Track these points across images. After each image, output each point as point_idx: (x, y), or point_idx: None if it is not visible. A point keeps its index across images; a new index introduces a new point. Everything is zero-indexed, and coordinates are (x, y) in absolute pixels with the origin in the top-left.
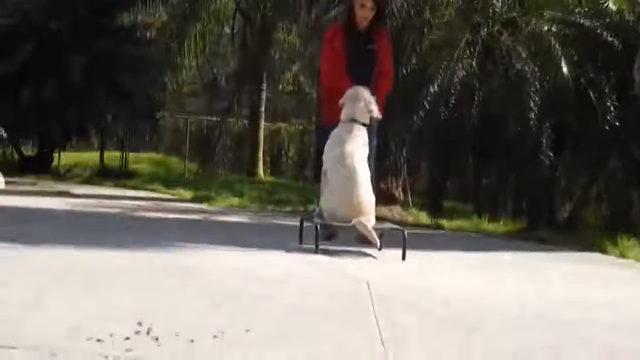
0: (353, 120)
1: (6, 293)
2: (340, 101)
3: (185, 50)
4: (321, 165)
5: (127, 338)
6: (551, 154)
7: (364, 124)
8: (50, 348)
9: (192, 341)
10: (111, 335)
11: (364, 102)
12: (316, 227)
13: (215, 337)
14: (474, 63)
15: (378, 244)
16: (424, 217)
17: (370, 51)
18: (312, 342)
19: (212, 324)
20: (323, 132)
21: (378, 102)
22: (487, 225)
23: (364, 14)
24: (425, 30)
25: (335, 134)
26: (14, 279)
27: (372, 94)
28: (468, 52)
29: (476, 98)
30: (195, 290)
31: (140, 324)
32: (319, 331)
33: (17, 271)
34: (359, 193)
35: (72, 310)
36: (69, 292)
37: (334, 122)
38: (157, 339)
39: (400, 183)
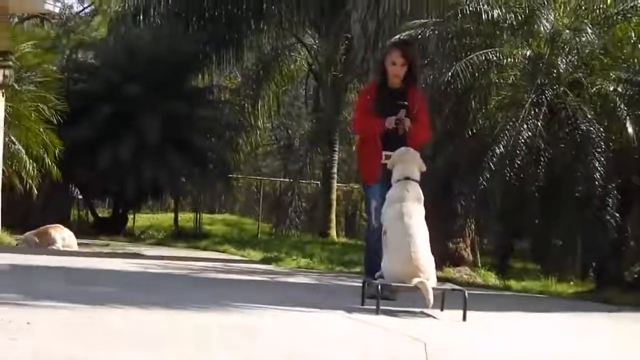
0: (408, 179)
1: (69, 352)
2: (389, 162)
3: (259, 111)
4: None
5: None
6: (617, 215)
7: (416, 181)
8: None
9: None
10: None
11: (416, 160)
12: (377, 288)
13: None
14: (539, 124)
15: (431, 304)
16: (492, 278)
17: (401, 106)
18: None
19: None
20: (369, 191)
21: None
22: (555, 286)
23: (395, 72)
24: (491, 91)
25: (392, 194)
26: (78, 338)
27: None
28: (533, 112)
29: (542, 159)
30: (254, 351)
31: None
32: None
33: (82, 330)
34: (418, 250)
35: None
36: (129, 352)
37: (375, 179)
38: None
39: (469, 243)
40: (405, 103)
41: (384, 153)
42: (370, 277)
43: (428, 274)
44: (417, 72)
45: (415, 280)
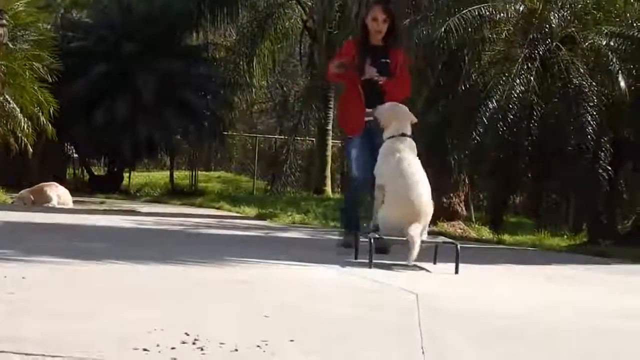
0: (403, 135)
1: (64, 305)
2: (383, 120)
3: (254, 69)
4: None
5: (173, 348)
6: (610, 168)
7: (410, 137)
8: (99, 357)
9: (236, 350)
10: (158, 345)
11: (408, 116)
12: (370, 242)
13: (258, 346)
14: (532, 79)
15: (412, 260)
16: (486, 233)
17: (383, 64)
18: (353, 353)
19: (257, 334)
20: (350, 142)
21: None
22: (548, 239)
23: (376, 28)
24: (484, 46)
25: (387, 147)
26: (73, 291)
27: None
28: (526, 67)
29: (534, 113)
30: (244, 302)
31: (187, 334)
32: (362, 344)
33: (76, 284)
34: (422, 193)
35: (123, 321)
36: (123, 303)
37: (356, 130)
38: (202, 348)
39: (463, 198)
40: (388, 61)
41: (366, 111)
42: (347, 229)
43: (429, 219)
44: (398, 30)
45: (412, 231)
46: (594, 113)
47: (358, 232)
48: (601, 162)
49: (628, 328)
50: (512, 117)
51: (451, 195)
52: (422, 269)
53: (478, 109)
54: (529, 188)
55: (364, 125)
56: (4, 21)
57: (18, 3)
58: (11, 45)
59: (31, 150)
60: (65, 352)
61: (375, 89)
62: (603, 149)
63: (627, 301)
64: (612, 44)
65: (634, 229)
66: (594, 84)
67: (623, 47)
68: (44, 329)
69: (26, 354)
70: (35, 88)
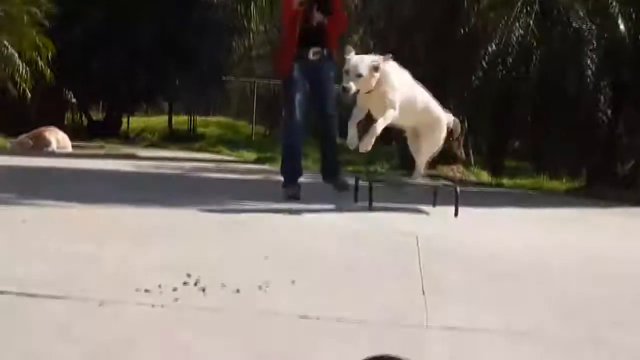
0: None
1: (65, 247)
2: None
3: (253, 13)
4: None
5: (175, 289)
6: (609, 112)
7: None
8: (99, 298)
9: (237, 291)
10: (159, 286)
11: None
12: (370, 185)
13: (260, 287)
14: (531, 22)
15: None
16: (485, 176)
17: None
18: (353, 293)
19: (258, 275)
20: (290, 82)
21: (333, 42)
22: (547, 183)
23: None
24: None
25: None
26: (74, 233)
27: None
28: (525, 11)
29: (534, 57)
30: (245, 244)
31: (188, 275)
32: (362, 283)
33: (77, 226)
34: None
35: (124, 263)
36: (124, 245)
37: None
38: (204, 289)
39: (462, 142)
40: None
41: (312, 50)
42: (290, 181)
43: None
44: None
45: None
46: (594, 57)
47: (358, 176)
48: (600, 106)
49: (628, 270)
50: (511, 61)
51: (450, 139)
52: (421, 211)
53: (477, 52)
54: (528, 132)
55: (296, 64)
56: None
57: None
58: None
59: (30, 95)
60: (67, 293)
61: (311, 28)
62: (602, 92)
63: (627, 243)
64: None
65: (632, 172)
66: (593, 27)
67: None
68: (45, 271)
69: (28, 295)
70: (34, 33)
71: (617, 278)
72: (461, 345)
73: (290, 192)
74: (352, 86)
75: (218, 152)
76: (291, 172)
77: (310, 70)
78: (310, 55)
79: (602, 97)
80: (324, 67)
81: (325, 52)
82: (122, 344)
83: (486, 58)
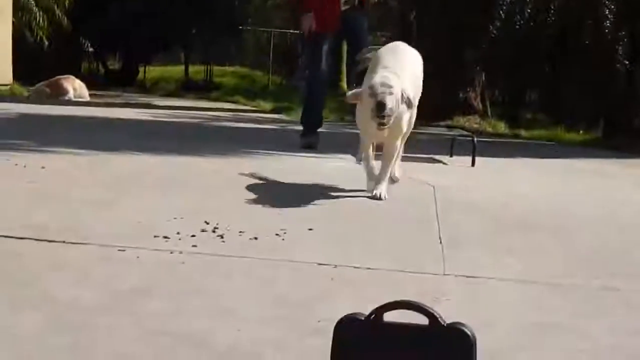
0: None
1: (83, 194)
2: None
3: None
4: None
5: (193, 236)
6: (627, 62)
7: None
8: (119, 245)
9: (255, 238)
10: (178, 233)
11: None
12: None
13: (277, 235)
14: None
15: None
16: (502, 127)
17: None
18: (371, 242)
19: (276, 223)
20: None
21: None
22: (564, 135)
23: None
24: None
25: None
26: (92, 181)
27: None
28: None
29: (552, 7)
30: (262, 192)
31: (207, 222)
32: (381, 234)
33: (95, 174)
34: None
35: (143, 211)
36: (142, 193)
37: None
38: (222, 236)
39: (479, 93)
40: None
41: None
42: (309, 130)
43: None
44: None
45: None
46: (612, 6)
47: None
48: (618, 56)
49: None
50: (529, 11)
51: (467, 90)
52: (439, 161)
53: (495, 3)
54: (545, 83)
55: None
56: None
57: None
58: None
59: (47, 43)
60: (86, 240)
61: None
62: (620, 43)
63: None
64: None
65: None
66: None
67: None
68: (64, 217)
69: (47, 241)
70: None
71: (632, 228)
72: (477, 293)
73: (308, 141)
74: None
75: (235, 102)
76: (311, 122)
77: (343, 20)
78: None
79: (619, 47)
80: (357, 17)
81: (356, 1)
82: (141, 289)
83: (504, 8)
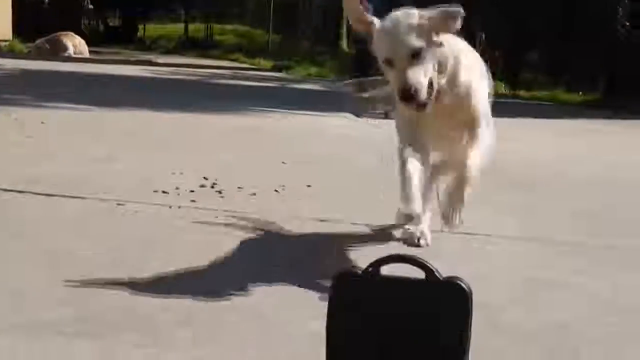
0: None
1: (83, 149)
2: None
3: None
4: None
5: (192, 191)
6: (628, 24)
7: None
8: (118, 199)
9: (254, 194)
10: (177, 189)
11: None
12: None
13: (276, 190)
14: None
15: None
16: (501, 87)
17: None
18: (370, 198)
19: (274, 180)
20: None
21: None
22: (564, 95)
23: None
24: None
25: None
26: (92, 136)
27: None
28: None
29: None
30: (261, 150)
31: (205, 178)
32: (378, 188)
33: (95, 129)
34: None
35: (142, 166)
36: (141, 149)
37: None
38: (220, 192)
39: (479, 53)
40: None
41: None
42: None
43: None
44: None
45: None
46: None
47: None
48: (619, 17)
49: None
50: None
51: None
52: None
53: None
54: (545, 44)
55: None
56: None
57: None
58: None
59: (47, 0)
60: (84, 194)
61: None
62: (621, 3)
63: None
64: None
65: None
66: None
67: None
68: (63, 172)
69: (46, 195)
70: None
71: (633, 188)
72: (474, 249)
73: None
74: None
75: (235, 60)
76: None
77: None
78: None
79: (620, 8)
80: None
81: None
82: (140, 242)
83: None
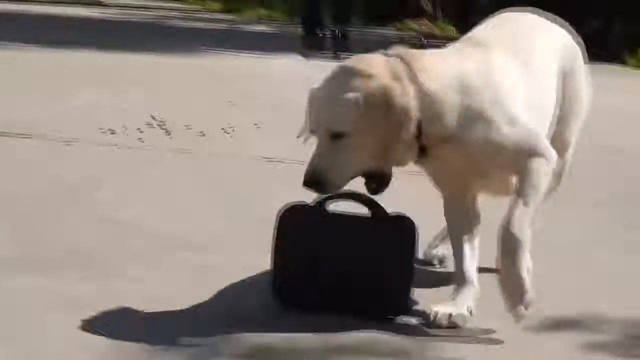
0: None
1: (30, 88)
2: None
3: None
4: None
5: (140, 130)
6: None
7: None
8: (65, 138)
9: (202, 134)
10: (124, 127)
11: None
12: (333, 33)
13: (224, 130)
14: None
15: None
16: (452, 32)
17: None
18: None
19: (223, 120)
20: None
21: None
22: None
23: None
24: None
25: None
26: (40, 77)
27: None
28: None
29: None
30: (210, 90)
31: (153, 117)
32: None
33: (43, 69)
34: None
35: (89, 106)
36: (89, 89)
37: None
38: (168, 131)
39: None
40: None
41: None
42: (308, 31)
43: None
44: None
45: None
46: None
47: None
48: None
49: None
50: None
51: None
52: None
53: None
54: None
55: None
56: None
57: None
58: None
59: None
60: (31, 133)
61: None
62: None
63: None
64: None
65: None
66: None
67: None
68: (9, 111)
69: None
70: None
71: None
72: (421, 187)
73: (308, 41)
74: None
75: (183, 2)
76: (312, 22)
77: None
78: None
79: None
80: None
81: None
82: (88, 182)
83: None
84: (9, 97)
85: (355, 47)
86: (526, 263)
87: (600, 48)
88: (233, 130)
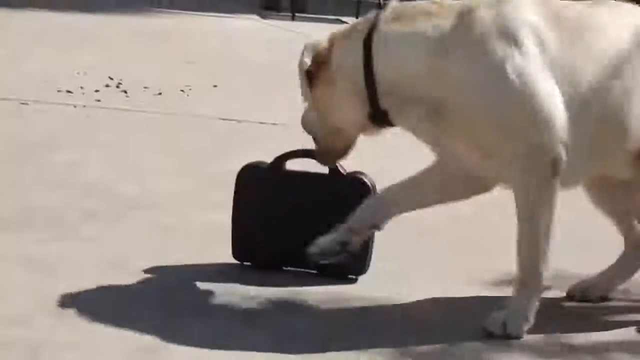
0: None
1: None
2: None
3: None
4: None
5: (97, 90)
6: None
7: None
8: (22, 98)
9: (159, 94)
10: (82, 88)
11: None
12: None
13: (182, 90)
14: None
15: None
16: None
17: None
18: (276, 99)
19: (180, 80)
20: None
21: None
22: None
23: None
24: None
25: None
26: None
27: None
28: None
29: None
30: (168, 51)
31: (111, 78)
32: (285, 90)
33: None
34: None
35: (45, 66)
36: (44, 50)
37: None
38: (126, 91)
39: None
40: None
41: None
42: None
43: None
44: None
45: None
46: None
47: None
48: None
49: None
50: None
51: None
52: (345, 22)
53: None
54: None
55: None
56: None
57: None
58: None
59: None
60: None
61: None
62: None
63: None
64: None
65: None
66: None
67: None
68: None
69: None
70: None
71: None
72: (380, 145)
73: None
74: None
75: None
76: None
77: None
78: None
79: None
80: None
81: None
82: (45, 142)
83: None
84: None
85: (313, 7)
86: None
87: None
88: (190, 90)
